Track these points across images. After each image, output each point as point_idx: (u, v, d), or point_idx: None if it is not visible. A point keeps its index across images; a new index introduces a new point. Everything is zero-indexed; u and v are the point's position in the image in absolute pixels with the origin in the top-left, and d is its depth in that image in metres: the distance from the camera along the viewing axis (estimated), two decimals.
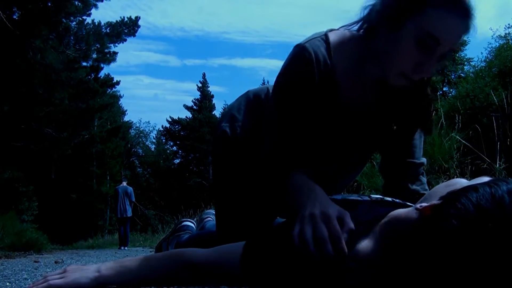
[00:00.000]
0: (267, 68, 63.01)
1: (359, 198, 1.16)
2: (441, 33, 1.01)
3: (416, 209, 0.91)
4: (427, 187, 1.34)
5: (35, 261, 3.50)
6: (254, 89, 1.54)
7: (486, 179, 0.88)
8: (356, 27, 1.19)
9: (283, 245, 1.01)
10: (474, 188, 0.83)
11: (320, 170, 1.23)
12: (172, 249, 1.14)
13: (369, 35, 1.14)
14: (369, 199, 1.14)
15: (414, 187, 1.31)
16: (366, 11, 1.15)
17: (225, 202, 1.50)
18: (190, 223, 2.06)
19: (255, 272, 1.03)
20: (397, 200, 1.12)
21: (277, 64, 65.67)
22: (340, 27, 1.23)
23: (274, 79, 1.27)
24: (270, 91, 1.40)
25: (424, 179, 1.36)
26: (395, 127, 1.26)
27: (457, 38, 1.04)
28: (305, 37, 1.21)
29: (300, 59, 1.15)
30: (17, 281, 1.73)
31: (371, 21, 1.13)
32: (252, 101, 1.48)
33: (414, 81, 1.09)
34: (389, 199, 1.13)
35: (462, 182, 0.96)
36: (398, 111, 1.23)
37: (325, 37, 1.19)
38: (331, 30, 1.23)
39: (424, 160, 1.36)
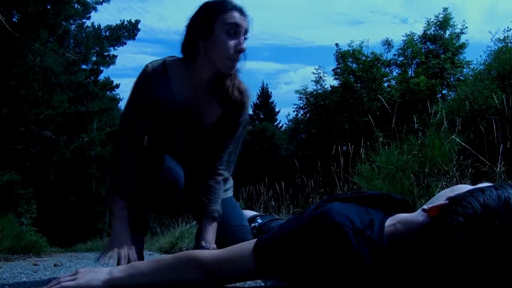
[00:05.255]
0: (264, 71, 63.08)
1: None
2: (236, 19, 1.60)
3: (423, 210, 0.92)
4: (216, 192, 1.74)
5: (34, 264, 3.48)
6: None
7: (489, 184, 0.90)
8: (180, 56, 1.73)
9: (292, 238, 1.03)
10: (480, 189, 0.85)
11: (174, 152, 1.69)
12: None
13: (191, 53, 1.67)
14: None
15: (210, 182, 1.74)
16: (183, 45, 1.68)
17: None
18: None
19: (269, 261, 1.04)
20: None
21: (274, 67, 65.34)
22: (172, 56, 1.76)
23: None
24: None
25: (219, 186, 1.76)
26: (210, 122, 1.73)
27: (246, 23, 1.63)
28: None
29: (142, 75, 1.68)
30: (16, 284, 1.72)
31: (190, 45, 1.67)
32: None
33: (237, 61, 1.64)
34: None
35: (467, 187, 0.97)
36: (217, 110, 1.73)
37: (163, 60, 1.71)
38: (170, 57, 1.73)
39: (226, 174, 1.81)
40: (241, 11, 1.65)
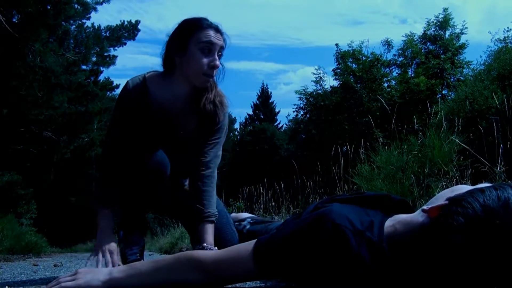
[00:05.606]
0: (264, 71, 63.31)
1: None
2: (210, 37, 1.71)
3: (423, 210, 0.92)
4: (210, 203, 1.79)
5: (34, 265, 3.48)
6: None
7: (489, 184, 0.90)
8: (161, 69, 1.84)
9: (291, 239, 1.03)
10: (480, 190, 0.85)
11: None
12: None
13: (169, 68, 1.79)
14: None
15: (199, 186, 1.81)
16: (163, 60, 1.81)
17: None
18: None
19: (268, 263, 1.04)
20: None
21: (274, 67, 65.42)
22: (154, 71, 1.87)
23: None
24: None
25: (209, 188, 1.82)
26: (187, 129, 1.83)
27: (220, 41, 1.74)
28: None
29: (123, 90, 1.81)
30: (16, 285, 1.72)
31: (167, 61, 1.79)
32: None
33: (212, 76, 1.75)
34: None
35: (467, 187, 0.97)
36: (195, 118, 1.83)
37: (143, 75, 1.82)
38: (149, 72, 1.85)
39: (214, 176, 1.84)
40: (216, 29, 1.75)
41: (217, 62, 1.73)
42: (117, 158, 1.78)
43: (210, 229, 1.75)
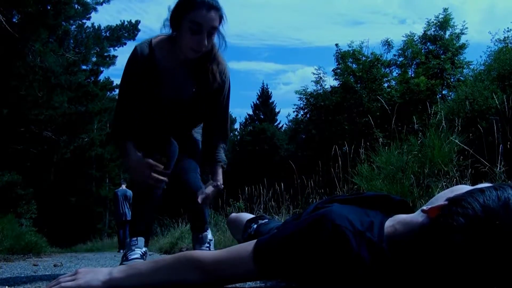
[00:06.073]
0: (264, 71, 63.35)
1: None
2: (200, 18, 1.77)
3: (422, 210, 0.92)
4: (220, 153, 2.08)
5: (34, 265, 3.49)
6: None
7: (489, 184, 0.90)
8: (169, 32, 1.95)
9: (293, 238, 1.02)
10: (480, 190, 0.85)
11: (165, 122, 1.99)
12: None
13: (171, 37, 1.92)
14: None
15: (214, 144, 2.08)
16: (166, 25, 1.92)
17: None
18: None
19: (269, 263, 1.04)
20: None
21: (274, 67, 65.34)
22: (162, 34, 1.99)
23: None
24: None
25: (219, 143, 2.09)
26: (196, 91, 1.97)
27: (211, 21, 1.80)
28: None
29: (132, 54, 1.92)
30: (16, 285, 1.72)
31: (170, 28, 1.90)
32: None
33: (201, 52, 1.85)
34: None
35: (466, 187, 0.97)
36: (200, 83, 1.97)
37: (150, 40, 1.95)
38: (156, 37, 1.97)
39: (220, 136, 2.09)
40: (209, 7, 1.79)
41: (204, 42, 1.81)
42: (130, 116, 1.93)
43: (219, 171, 2.04)
